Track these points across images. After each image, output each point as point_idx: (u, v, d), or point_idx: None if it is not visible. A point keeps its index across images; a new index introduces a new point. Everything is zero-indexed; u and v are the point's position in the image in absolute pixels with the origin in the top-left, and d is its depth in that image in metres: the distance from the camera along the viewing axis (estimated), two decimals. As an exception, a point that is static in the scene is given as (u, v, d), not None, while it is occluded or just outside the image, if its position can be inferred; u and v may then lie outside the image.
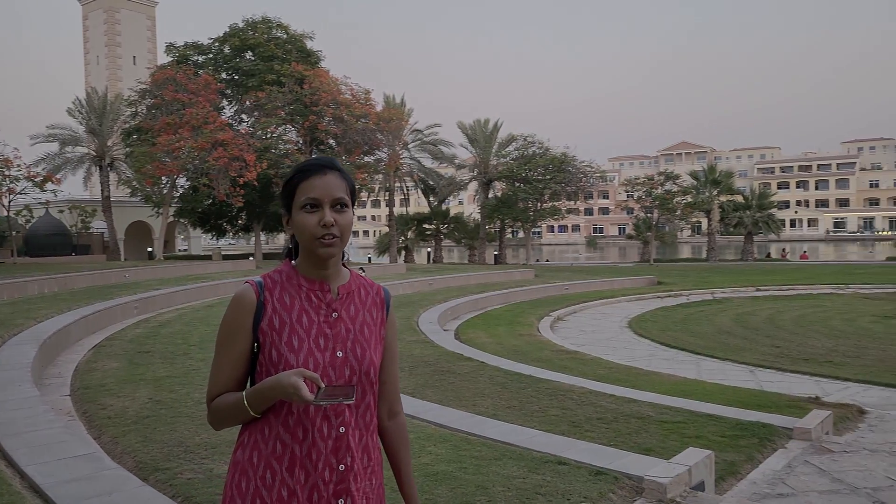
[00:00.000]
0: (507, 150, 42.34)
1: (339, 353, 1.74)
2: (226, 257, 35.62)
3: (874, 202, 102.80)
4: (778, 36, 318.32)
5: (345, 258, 1.92)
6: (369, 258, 36.87)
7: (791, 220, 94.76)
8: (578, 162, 41.28)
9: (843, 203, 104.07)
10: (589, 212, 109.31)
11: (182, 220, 38.95)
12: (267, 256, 36.76)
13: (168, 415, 6.05)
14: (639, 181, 42.65)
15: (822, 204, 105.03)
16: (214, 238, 44.70)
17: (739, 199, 43.02)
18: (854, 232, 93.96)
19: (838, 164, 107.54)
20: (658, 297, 22.01)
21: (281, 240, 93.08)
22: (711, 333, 14.66)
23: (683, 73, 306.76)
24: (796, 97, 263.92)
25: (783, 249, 48.69)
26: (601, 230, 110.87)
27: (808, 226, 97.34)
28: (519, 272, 28.82)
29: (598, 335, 15.14)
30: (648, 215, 42.46)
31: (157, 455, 4.86)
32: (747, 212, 41.42)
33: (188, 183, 31.92)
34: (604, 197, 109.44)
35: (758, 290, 23.30)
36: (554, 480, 4.25)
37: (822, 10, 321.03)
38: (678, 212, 41.20)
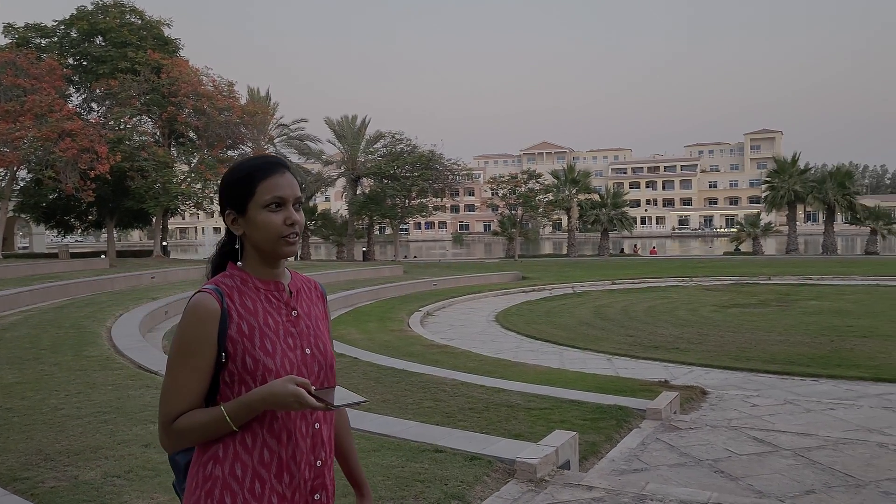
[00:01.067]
0: (375, 146, 42.40)
1: (308, 351, 1.72)
2: (74, 255, 33.28)
3: (713, 201, 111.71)
4: (629, 47, 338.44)
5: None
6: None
7: (641, 217, 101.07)
8: (445, 160, 42.06)
9: (686, 202, 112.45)
10: (455, 209, 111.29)
11: (23, 216, 35.96)
12: (120, 254, 34.69)
13: (22, 423, 5.67)
14: (503, 179, 44.06)
15: (668, 203, 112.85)
16: (60, 235, 41.57)
17: (596, 197, 45.46)
18: (696, 229, 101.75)
19: (682, 166, 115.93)
20: (523, 292, 22.88)
21: (135, 237, 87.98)
22: (573, 325, 15.47)
23: (547, 74, 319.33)
24: (646, 102, 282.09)
25: (635, 245, 51.97)
26: (467, 227, 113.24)
27: (657, 223, 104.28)
28: (388, 269, 28.99)
29: (467, 329, 15.56)
30: (513, 213, 43.93)
31: (13, 464, 4.57)
32: (603, 210, 43.85)
33: (31, 175, 29.48)
34: (469, 194, 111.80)
35: (613, 283, 24.77)
36: (432, 468, 4.41)
37: (670, 26, 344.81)
38: (541, 209, 42.96)
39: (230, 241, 1.79)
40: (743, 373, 10.09)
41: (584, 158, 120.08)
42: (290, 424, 1.65)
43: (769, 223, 42.66)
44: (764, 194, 43.83)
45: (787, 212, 42.13)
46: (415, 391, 7.50)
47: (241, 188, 1.73)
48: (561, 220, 54.38)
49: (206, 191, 32.02)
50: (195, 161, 32.83)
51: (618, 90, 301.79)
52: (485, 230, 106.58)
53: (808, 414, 7.31)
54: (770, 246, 45.87)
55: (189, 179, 31.30)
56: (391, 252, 52.53)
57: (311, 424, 1.69)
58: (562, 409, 6.64)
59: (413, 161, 40.35)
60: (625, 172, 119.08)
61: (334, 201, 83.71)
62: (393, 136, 41.90)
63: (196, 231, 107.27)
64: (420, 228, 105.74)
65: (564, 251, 47.70)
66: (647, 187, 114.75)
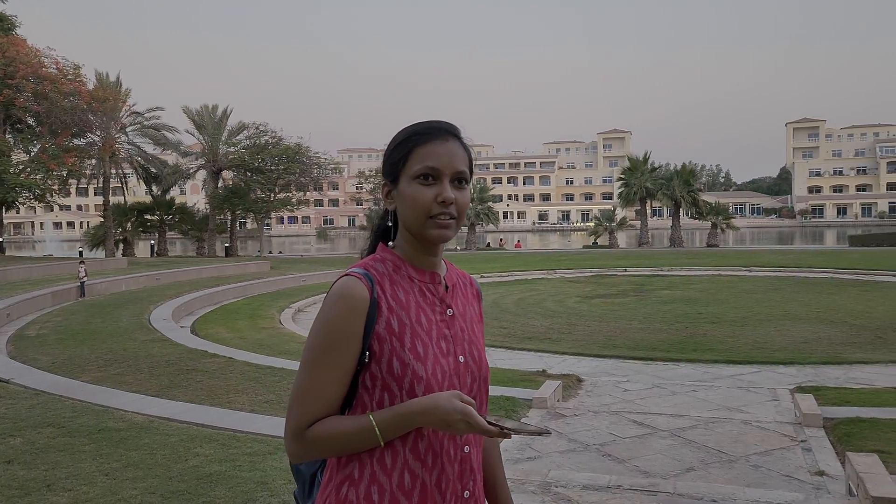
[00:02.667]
0: (237, 138, 40.82)
1: (461, 358, 1.46)
2: None
3: (570, 197, 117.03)
4: (491, 47, 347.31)
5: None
6: (80, 252, 33.07)
7: (504, 212, 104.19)
8: (312, 153, 41.24)
9: (545, 198, 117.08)
10: (319, 203, 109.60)
11: None
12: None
13: None
14: (371, 174, 43.86)
15: (529, 198, 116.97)
16: None
17: (463, 192, 46.23)
18: (555, 223, 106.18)
19: (541, 163, 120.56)
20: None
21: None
22: (448, 319, 15.63)
23: (412, 69, 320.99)
24: (507, 99, 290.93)
25: (500, 239, 53.38)
26: (331, 221, 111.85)
27: (518, 218, 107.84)
28: (254, 264, 28.04)
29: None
30: (380, 207, 43.77)
31: None
32: (471, 204, 44.68)
33: None
34: (334, 189, 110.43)
35: (482, 276, 25.28)
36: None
37: (531, 30, 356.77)
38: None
39: (391, 215, 1.52)
40: (612, 360, 10.60)
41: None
42: (437, 445, 1.40)
43: (623, 218, 45.24)
44: (618, 191, 46.41)
45: (639, 207, 44.91)
46: (299, 390, 7.29)
47: (396, 154, 1.48)
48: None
49: (50, 182, 29.54)
50: (35, 150, 30.20)
51: (481, 87, 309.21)
52: (350, 225, 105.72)
53: (674, 396, 7.79)
54: (622, 239, 48.64)
55: (29, 170, 28.73)
56: (253, 247, 50.83)
57: (459, 447, 1.42)
58: (450, 402, 6.68)
59: (278, 154, 39.26)
60: (487, 168, 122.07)
61: (191, 195, 79.89)
62: (257, 128, 40.56)
63: (34, 226, 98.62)
64: (283, 223, 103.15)
65: (431, 245, 48.14)
66: (508, 183, 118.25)
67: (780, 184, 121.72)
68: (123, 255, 36.99)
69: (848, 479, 4.31)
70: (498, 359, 10.85)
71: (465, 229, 47.36)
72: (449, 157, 1.44)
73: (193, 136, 40.80)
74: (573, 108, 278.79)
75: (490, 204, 46.48)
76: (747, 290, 19.73)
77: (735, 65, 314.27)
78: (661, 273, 25.64)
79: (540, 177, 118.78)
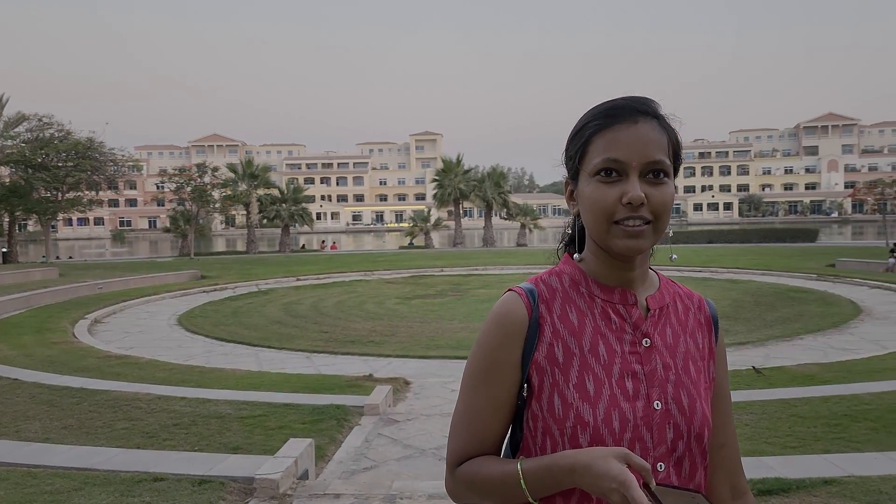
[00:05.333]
0: (16, 130, 36.47)
1: (657, 405, 1.13)
2: None
3: (384, 198, 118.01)
4: (301, 46, 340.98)
5: (652, 253, 1.24)
6: None
7: (317, 213, 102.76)
8: (107, 148, 37.92)
9: (359, 198, 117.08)
10: (115, 203, 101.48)
11: None
12: None
13: None
14: (175, 173, 41.17)
15: (342, 199, 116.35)
16: None
17: (276, 192, 44.87)
18: (369, 224, 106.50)
19: (355, 164, 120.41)
20: (204, 292, 21.60)
21: None
22: (264, 324, 15.00)
23: (220, 66, 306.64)
24: (318, 98, 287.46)
25: (323, 241, 52.13)
26: (129, 223, 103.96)
27: (332, 219, 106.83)
28: (39, 271, 25.17)
29: (147, 336, 14.16)
30: (187, 208, 41.29)
31: None
32: (284, 205, 43.49)
33: None
34: (132, 188, 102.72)
35: (298, 279, 24.65)
36: (155, 500, 3.84)
37: (338, 31, 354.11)
38: (217, 204, 41.05)
39: (575, 221, 1.24)
40: (437, 360, 10.68)
41: (258, 152, 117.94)
42: None
43: (439, 218, 46.31)
44: (433, 192, 47.45)
45: (453, 208, 46.23)
46: (103, 412, 6.56)
47: (573, 146, 1.18)
48: (235, 215, 52.59)
49: None
50: None
51: (288, 85, 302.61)
52: (150, 227, 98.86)
53: (500, 393, 7.98)
54: (437, 239, 49.80)
55: None
56: (36, 252, 45.86)
57: None
58: (277, 415, 6.34)
59: (66, 149, 35.63)
60: (300, 168, 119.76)
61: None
62: (40, 120, 36.49)
63: None
64: (72, 225, 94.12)
65: (241, 247, 46.34)
66: (321, 183, 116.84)
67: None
68: None
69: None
70: (321, 365, 10.56)
71: (275, 231, 45.98)
72: (638, 144, 1.11)
73: (-41, 127, 35.91)
74: (386, 110, 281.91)
75: (304, 205, 45.49)
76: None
77: (538, 73, 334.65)
78: (476, 272, 26.51)
79: (353, 177, 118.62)
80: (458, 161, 45.86)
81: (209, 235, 50.77)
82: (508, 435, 1.23)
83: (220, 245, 62.04)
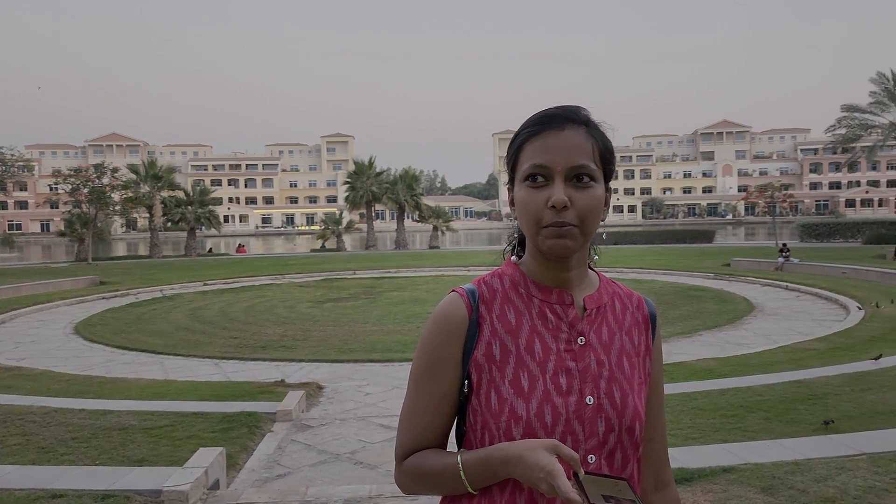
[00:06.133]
0: None
1: (590, 399, 1.18)
2: None
3: (294, 200, 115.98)
4: (204, 44, 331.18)
5: (593, 258, 1.30)
6: None
7: (225, 216, 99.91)
8: (-6, 148, 35.64)
9: (269, 201, 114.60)
10: (3, 206, 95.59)
11: None
12: None
13: None
14: (70, 173, 39.10)
15: (251, 201, 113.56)
16: None
17: (181, 195, 43.30)
18: (279, 227, 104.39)
19: (264, 165, 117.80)
20: (104, 298, 20.61)
21: None
22: (169, 331, 14.46)
23: (118, 63, 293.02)
24: (228, 98, 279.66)
25: (239, 245, 50.29)
26: (20, 227, 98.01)
27: (241, 221, 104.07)
28: (-84, 279, 23.39)
29: (40, 346, 13.38)
30: (84, 210, 39.26)
31: None
32: (189, 207, 42.01)
33: None
34: (21, 189, 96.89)
35: (205, 284, 23.89)
36: (53, 519, 3.63)
37: (238, 29, 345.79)
38: (118, 207, 39.24)
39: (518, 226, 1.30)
40: (349, 364, 10.59)
41: (161, 153, 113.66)
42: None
43: (351, 221, 45.88)
44: (345, 194, 46.97)
45: (365, 210, 45.91)
46: (-7, 427, 6.15)
47: (508, 153, 1.24)
48: (136, 218, 50.43)
49: None
50: None
51: (193, 85, 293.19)
52: (43, 230, 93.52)
53: (415, 395, 7.99)
54: (349, 242, 49.35)
55: None
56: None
57: None
58: (185, 425, 6.13)
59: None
60: (206, 169, 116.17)
61: None
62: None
63: None
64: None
65: (143, 252, 44.51)
66: (229, 185, 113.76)
67: (489, 189, 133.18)
68: None
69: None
70: (230, 371, 10.29)
71: (179, 234, 44.40)
72: (563, 150, 1.16)
73: None
74: (296, 112, 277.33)
75: (211, 207, 44.10)
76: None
77: (453, 76, 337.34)
78: (389, 275, 26.43)
79: (263, 179, 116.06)
80: (371, 163, 45.61)
81: (108, 239, 48.42)
82: (454, 428, 1.29)
83: (120, 249, 59.24)
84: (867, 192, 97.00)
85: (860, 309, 14.05)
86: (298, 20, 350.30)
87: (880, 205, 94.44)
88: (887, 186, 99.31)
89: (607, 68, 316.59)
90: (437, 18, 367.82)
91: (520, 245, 1.34)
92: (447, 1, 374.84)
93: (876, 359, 8.25)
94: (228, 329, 14.49)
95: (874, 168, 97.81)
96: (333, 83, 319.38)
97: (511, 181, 1.25)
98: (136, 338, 13.75)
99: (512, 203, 1.27)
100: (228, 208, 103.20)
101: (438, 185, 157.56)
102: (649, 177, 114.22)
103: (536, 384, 1.17)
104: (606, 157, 1.21)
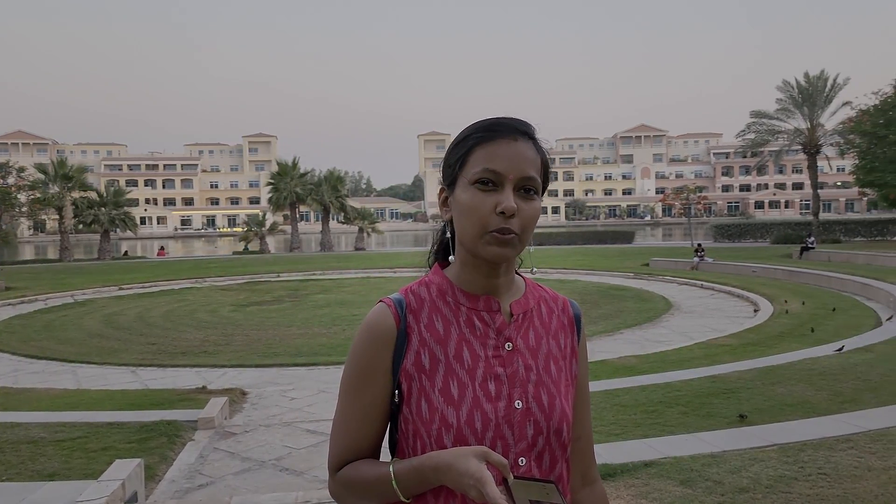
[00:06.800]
0: None
1: (518, 404, 1.19)
2: None
3: (215, 201, 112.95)
4: (107, 41, 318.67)
5: (519, 264, 1.33)
6: None
7: (141, 217, 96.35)
8: None
9: (188, 202, 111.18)
10: None
11: None
12: None
13: None
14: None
15: (169, 202, 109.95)
16: None
17: (94, 195, 41.48)
18: (199, 229, 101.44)
19: (183, 165, 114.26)
20: (10, 305, 19.54)
21: None
22: (82, 338, 13.83)
23: (21, 59, 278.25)
24: (139, 97, 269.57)
25: (161, 247, 48.40)
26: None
27: (158, 223, 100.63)
28: None
29: (-61, 356, 12.58)
30: (-13, 212, 37.16)
31: None
32: (103, 209, 40.28)
33: None
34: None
35: (121, 288, 23.00)
36: (-46, 542, 3.41)
37: (164, 24, 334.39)
38: (25, 208, 37.30)
39: (447, 227, 1.28)
40: (274, 368, 10.38)
41: (72, 152, 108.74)
42: None
43: (274, 223, 45.01)
44: (268, 196, 46.03)
45: (289, 212, 45.14)
46: None
47: (454, 154, 1.23)
48: (46, 220, 48.12)
49: None
50: None
51: (105, 83, 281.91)
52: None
53: (341, 399, 7.91)
54: (273, 244, 48.43)
55: None
56: None
57: None
58: (99, 435, 5.88)
59: None
60: (120, 169, 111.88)
61: None
62: None
63: None
64: None
65: (52, 255, 42.43)
66: (146, 185, 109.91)
67: (415, 190, 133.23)
68: None
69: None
70: (148, 379, 9.92)
71: (92, 237, 42.57)
72: (516, 159, 1.18)
73: None
74: (216, 112, 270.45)
75: (126, 209, 42.43)
76: (396, 290, 21.04)
77: (376, 76, 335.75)
78: (314, 277, 26.07)
79: (182, 179, 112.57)
80: (294, 164, 44.88)
81: (14, 242, 45.99)
82: (387, 437, 1.30)
83: (27, 253, 56.27)
84: (774, 194, 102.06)
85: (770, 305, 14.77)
86: (214, 20, 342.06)
87: (786, 206, 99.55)
88: (792, 189, 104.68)
89: (534, 71, 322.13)
90: (362, 18, 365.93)
91: (443, 251, 1.34)
92: (373, 1, 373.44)
93: (839, 350, 8.69)
94: (146, 335, 13.99)
95: (781, 171, 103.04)
96: (256, 83, 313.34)
97: (451, 182, 1.24)
98: (46, 345, 13.10)
99: (445, 203, 1.27)
100: (145, 210, 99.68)
101: (364, 186, 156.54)
102: (572, 178, 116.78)
103: (466, 391, 1.19)
104: (545, 172, 1.26)
